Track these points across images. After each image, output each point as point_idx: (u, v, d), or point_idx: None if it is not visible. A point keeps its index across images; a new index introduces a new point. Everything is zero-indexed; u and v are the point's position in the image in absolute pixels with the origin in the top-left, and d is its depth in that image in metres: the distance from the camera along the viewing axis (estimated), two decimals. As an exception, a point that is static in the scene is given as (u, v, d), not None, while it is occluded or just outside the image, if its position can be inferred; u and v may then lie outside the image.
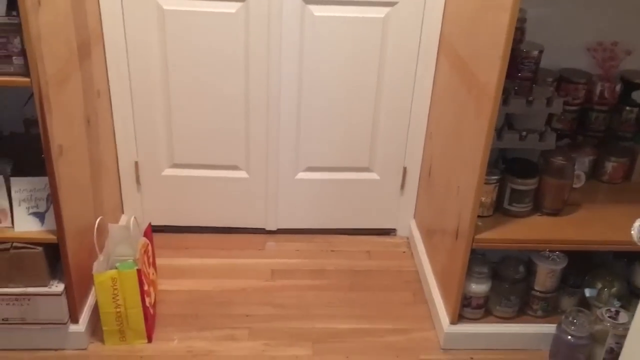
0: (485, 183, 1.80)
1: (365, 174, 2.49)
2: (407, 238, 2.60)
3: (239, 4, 2.13)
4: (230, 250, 2.48)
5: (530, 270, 2.02)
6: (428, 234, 2.37)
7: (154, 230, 2.20)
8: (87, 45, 1.99)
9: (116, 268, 1.92)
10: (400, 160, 2.47)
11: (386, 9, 2.17)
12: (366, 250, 2.53)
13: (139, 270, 1.93)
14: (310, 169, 2.47)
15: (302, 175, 2.48)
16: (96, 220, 1.98)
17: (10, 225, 1.83)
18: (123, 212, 2.50)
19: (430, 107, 2.32)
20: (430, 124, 2.33)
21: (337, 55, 2.23)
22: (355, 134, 2.40)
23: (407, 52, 2.24)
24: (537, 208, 1.97)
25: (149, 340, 2.02)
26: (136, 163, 2.41)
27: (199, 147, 2.39)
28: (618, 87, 2.13)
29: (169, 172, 2.45)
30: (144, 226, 2.15)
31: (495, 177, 1.90)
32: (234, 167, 2.45)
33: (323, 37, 2.20)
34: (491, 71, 1.65)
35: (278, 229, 2.58)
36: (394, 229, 2.63)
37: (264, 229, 2.58)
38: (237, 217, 2.55)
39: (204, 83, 2.26)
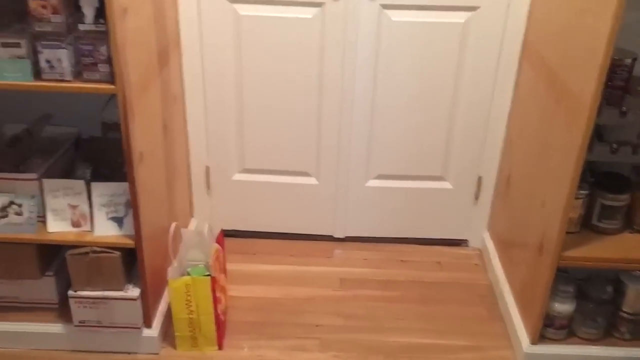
0: (575, 198, 1.71)
1: (437, 182, 2.43)
2: (480, 250, 2.52)
3: (315, 9, 2.10)
4: (299, 257, 2.45)
5: (619, 291, 1.91)
6: (504, 247, 2.28)
7: (223, 234, 2.20)
8: (166, 51, 2.00)
9: (189, 274, 1.93)
10: (475, 169, 2.39)
11: (467, 14, 2.10)
12: (437, 261, 2.46)
13: (212, 278, 1.93)
14: (381, 176, 2.42)
15: (372, 182, 2.43)
16: (170, 224, 1.99)
17: (89, 229, 1.85)
18: (193, 216, 2.52)
19: (510, 115, 2.23)
20: (510, 133, 2.24)
21: (414, 60, 2.18)
22: (429, 142, 2.33)
23: (487, 58, 2.17)
24: (628, 225, 1.86)
25: (220, 347, 2.02)
26: (207, 168, 2.42)
27: (269, 152, 2.38)
28: None
29: (239, 177, 2.45)
30: (215, 231, 2.15)
31: (584, 192, 1.80)
32: (304, 174, 2.42)
33: (400, 43, 2.14)
34: (586, 81, 1.56)
35: (346, 237, 2.55)
36: (466, 240, 2.56)
37: (332, 236, 2.55)
38: (306, 224, 2.53)
39: (277, 89, 2.24)
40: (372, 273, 2.38)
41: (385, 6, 2.09)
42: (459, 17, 2.10)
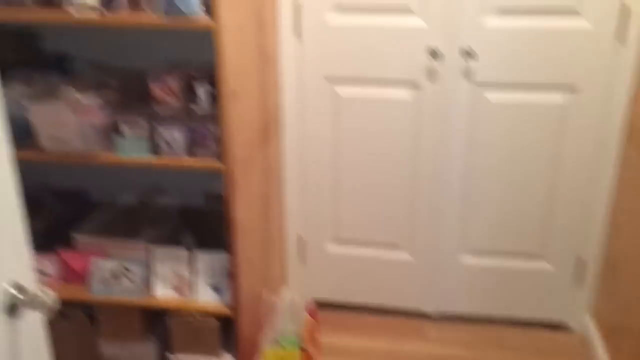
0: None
1: (535, 262, 2.35)
2: (582, 335, 2.38)
3: (412, 91, 2.17)
4: (390, 333, 2.43)
5: None
6: (611, 335, 2.15)
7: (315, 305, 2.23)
8: (268, 128, 2.12)
9: (281, 344, 1.96)
10: (575, 250, 2.30)
11: (565, 95, 2.08)
12: (536, 346, 2.35)
13: (304, 350, 1.95)
14: (476, 252, 2.38)
15: (467, 258, 2.39)
16: (265, 294, 2.05)
17: (191, 296, 1.95)
18: (286, 286, 2.57)
19: (615, 198, 2.15)
20: (616, 216, 2.15)
21: (511, 140, 2.17)
22: (526, 220, 2.29)
23: (588, 139, 2.13)
24: None
25: (309, 421, 2.01)
26: (302, 238, 2.49)
27: (363, 225, 2.42)
28: None
29: (332, 248, 2.49)
30: (307, 301, 2.18)
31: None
32: (397, 247, 2.43)
33: (497, 123, 2.16)
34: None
35: (439, 314, 2.50)
36: (567, 324, 2.43)
37: (424, 312, 2.51)
38: (399, 298, 2.51)
39: (373, 164, 2.30)
40: (466, 355, 2.30)
41: (482, 86, 2.12)
42: (558, 98, 2.09)
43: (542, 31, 2.02)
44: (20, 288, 0.83)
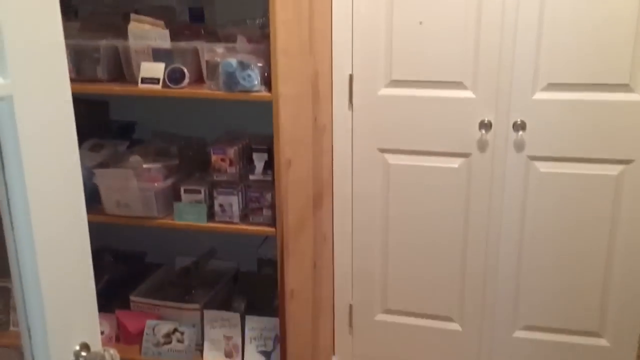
0: None
1: (593, 339, 2.26)
2: (646, 419, 2.25)
3: (461, 159, 2.19)
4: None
5: None
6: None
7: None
8: (320, 195, 2.18)
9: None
10: (635, 327, 2.21)
11: (620, 167, 2.07)
12: None
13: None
14: (530, 327, 2.31)
15: (520, 333, 2.33)
16: (313, 362, 2.05)
17: (240, 360, 1.96)
18: (334, 354, 2.55)
19: (674, 271, 2.09)
20: (676, 291, 2.08)
21: (564, 212, 2.15)
22: (583, 295, 2.22)
23: (645, 210, 2.09)
24: None
25: None
26: (350, 306, 2.48)
27: (413, 295, 2.40)
28: None
29: (381, 317, 2.47)
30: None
31: None
32: (448, 319, 2.39)
33: (549, 194, 2.14)
34: None
35: (491, 389, 2.42)
36: (628, 406, 2.31)
37: (475, 387, 2.43)
38: (448, 372, 2.45)
39: (423, 233, 2.31)
40: None
41: (533, 157, 2.13)
42: (612, 169, 2.08)
43: (592, 104, 2.03)
44: (87, 348, 0.88)
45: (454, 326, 2.39)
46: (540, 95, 2.06)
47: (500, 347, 2.35)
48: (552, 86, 2.04)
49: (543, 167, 2.13)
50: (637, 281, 2.16)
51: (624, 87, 1.99)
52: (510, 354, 2.35)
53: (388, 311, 2.46)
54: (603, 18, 1.94)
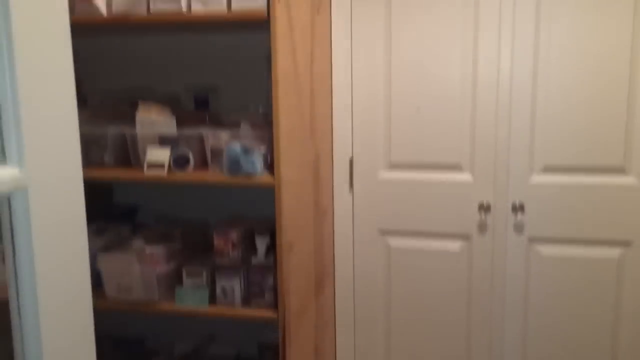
0: None
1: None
2: None
3: (461, 242, 2.21)
4: None
5: None
6: None
7: None
8: (322, 279, 2.17)
9: None
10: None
11: (620, 249, 2.08)
12: None
13: None
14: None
15: (528, 422, 2.26)
16: None
17: None
18: None
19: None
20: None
21: (567, 295, 2.14)
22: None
23: (648, 293, 2.08)
24: None
25: None
26: (353, 393, 2.42)
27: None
28: None
29: (385, 405, 2.40)
30: None
31: None
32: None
33: (550, 277, 2.14)
34: None
35: None
36: None
37: None
38: None
39: (425, 316, 2.28)
40: None
41: (533, 240, 2.14)
42: (612, 252, 2.08)
43: (590, 187, 2.06)
44: None
45: (460, 414, 2.32)
46: (537, 178, 2.10)
47: None
48: (548, 168, 2.09)
49: (544, 250, 2.14)
50: (646, 366, 2.12)
51: (618, 169, 2.03)
52: None
53: (391, 399, 2.39)
54: (595, 99, 2.01)
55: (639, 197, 2.03)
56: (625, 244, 2.07)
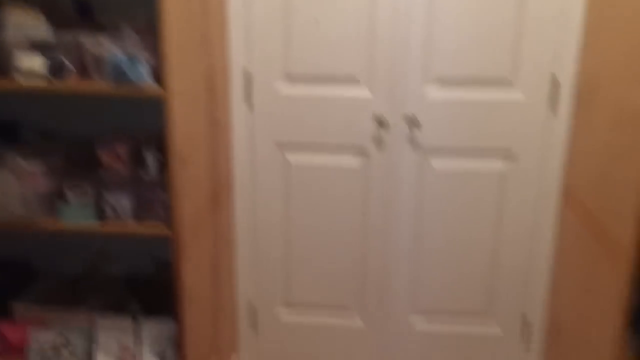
0: (624, 343, 1.65)
1: (485, 327, 2.38)
2: (533, 398, 2.40)
3: (359, 156, 2.23)
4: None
5: None
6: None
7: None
8: (219, 195, 2.13)
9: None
10: (521, 313, 2.35)
11: (504, 162, 2.18)
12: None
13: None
14: (428, 319, 2.39)
15: (419, 326, 2.40)
16: (214, 364, 2.00)
17: (136, 367, 1.89)
18: (236, 353, 2.51)
19: (554, 259, 2.23)
20: (557, 278, 2.22)
21: (455, 205, 2.24)
22: (472, 283, 2.33)
23: (527, 203, 2.22)
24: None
25: None
26: (252, 305, 2.46)
27: (315, 293, 2.41)
28: None
29: (284, 315, 2.46)
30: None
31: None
32: (349, 312, 2.43)
33: (441, 189, 2.23)
34: (625, 225, 1.57)
35: (392, 381, 2.48)
36: (518, 388, 2.45)
37: (377, 379, 2.49)
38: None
39: (323, 230, 2.32)
40: (419, 421, 2.28)
41: (427, 153, 2.20)
42: (498, 164, 2.19)
43: (480, 101, 2.13)
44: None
45: (356, 321, 2.43)
46: (431, 92, 2.14)
47: (399, 338, 2.42)
48: (443, 82, 2.12)
49: (436, 163, 2.21)
50: (520, 269, 2.30)
51: (507, 83, 2.10)
52: (409, 345, 2.42)
53: (291, 310, 2.45)
54: (486, 13, 2.04)
55: (525, 111, 2.12)
56: (510, 157, 2.18)
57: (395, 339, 2.42)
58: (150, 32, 1.65)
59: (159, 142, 1.72)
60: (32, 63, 1.58)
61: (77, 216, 1.71)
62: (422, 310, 2.40)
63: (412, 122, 2.16)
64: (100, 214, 1.73)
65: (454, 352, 2.41)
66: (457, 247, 2.30)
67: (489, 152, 2.18)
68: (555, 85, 2.09)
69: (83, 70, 1.68)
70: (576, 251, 2.01)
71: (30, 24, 1.64)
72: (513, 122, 2.14)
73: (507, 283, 2.32)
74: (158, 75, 1.62)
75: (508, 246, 2.28)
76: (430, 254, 2.32)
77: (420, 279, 2.35)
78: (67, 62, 1.61)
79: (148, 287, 2.15)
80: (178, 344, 1.80)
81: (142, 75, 1.59)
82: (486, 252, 2.29)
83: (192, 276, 1.85)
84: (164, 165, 1.70)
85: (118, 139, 1.76)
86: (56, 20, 1.70)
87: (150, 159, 1.72)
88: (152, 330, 1.88)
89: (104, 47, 1.60)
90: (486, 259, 2.30)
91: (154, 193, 1.71)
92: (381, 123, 2.17)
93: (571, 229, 2.07)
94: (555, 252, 2.23)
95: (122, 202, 1.69)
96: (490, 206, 2.24)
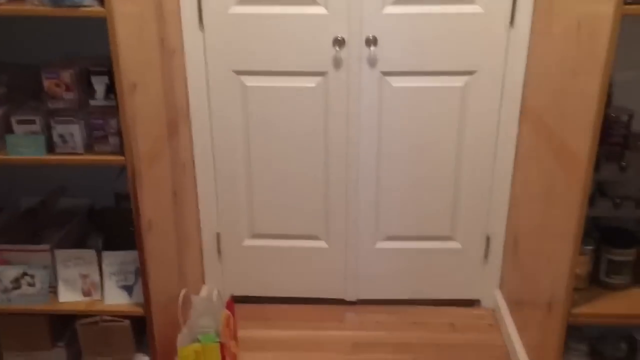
0: (580, 254, 1.71)
1: (446, 242, 2.43)
2: (493, 310, 2.48)
3: (318, 78, 2.18)
4: (310, 321, 2.44)
5: (633, 348, 1.87)
6: (516, 306, 2.26)
7: (234, 300, 2.21)
8: (176, 122, 2.08)
9: (199, 341, 1.93)
10: (483, 229, 2.40)
11: (465, 78, 2.16)
12: (450, 322, 2.43)
13: (221, 344, 1.93)
14: (391, 237, 2.43)
15: (382, 244, 2.44)
16: (180, 292, 2.01)
17: (100, 297, 1.88)
18: (204, 283, 2.53)
19: (513, 174, 2.26)
20: (515, 191, 2.26)
21: (416, 124, 2.23)
22: (436, 203, 2.36)
23: (487, 119, 2.22)
24: (638, 280, 1.84)
25: (231, 415, 1.99)
26: (218, 234, 2.46)
27: (279, 217, 2.41)
28: None
29: (249, 242, 2.47)
30: (226, 297, 2.16)
31: (590, 248, 1.80)
32: (314, 237, 2.45)
33: (402, 108, 2.21)
34: (582, 138, 1.59)
35: (358, 300, 2.54)
36: (478, 300, 2.53)
37: (343, 299, 2.54)
38: (317, 288, 2.53)
39: (285, 155, 2.30)
40: (385, 336, 2.35)
41: (386, 73, 2.16)
42: (457, 81, 2.17)
43: (438, 16, 2.08)
44: None
45: (321, 244, 2.45)
46: (389, 9, 2.08)
47: (364, 258, 2.46)
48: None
49: (395, 81, 2.18)
50: (482, 185, 2.33)
51: None
52: (374, 264, 2.47)
53: (256, 236, 2.46)
54: None
55: (484, 26, 2.09)
56: (470, 72, 2.16)
57: (359, 258, 2.46)
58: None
59: (109, 67, 1.64)
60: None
61: (25, 148, 1.65)
62: (387, 236, 2.43)
63: (371, 41, 2.11)
64: (50, 145, 1.67)
65: (415, 265, 2.46)
66: (420, 169, 2.30)
67: (449, 67, 2.15)
68: (514, -2, 2.06)
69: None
70: (534, 165, 2.03)
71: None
72: (472, 36, 2.10)
73: (470, 202, 2.35)
74: (100, -4, 1.53)
75: (470, 165, 2.29)
76: (393, 177, 2.32)
77: (384, 204, 2.37)
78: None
79: (109, 219, 2.12)
80: (141, 273, 1.80)
81: (83, -5, 1.49)
82: (449, 172, 2.31)
83: (151, 204, 1.82)
84: (113, 91, 1.63)
85: (64, 64, 1.67)
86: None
87: (99, 84, 1.64)
88: (114, 261, 1.86)
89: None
90: (449, 180, 2.32)
91: (105, 121, 1.65)
92: (339, 43, 2.12)
93: (530, 144, 2.09)
94: (515, 167, 2.26)
95: (71, 131, 1.63)
96: (451, 123, 2.23)
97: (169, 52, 1.99)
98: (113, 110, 1.64)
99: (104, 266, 1.86)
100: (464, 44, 2.11)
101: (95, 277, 1.87)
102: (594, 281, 1.85)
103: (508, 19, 2.08)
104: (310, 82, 2.19)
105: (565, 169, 1.72)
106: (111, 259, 1.86)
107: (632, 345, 1.88)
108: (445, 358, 2.23)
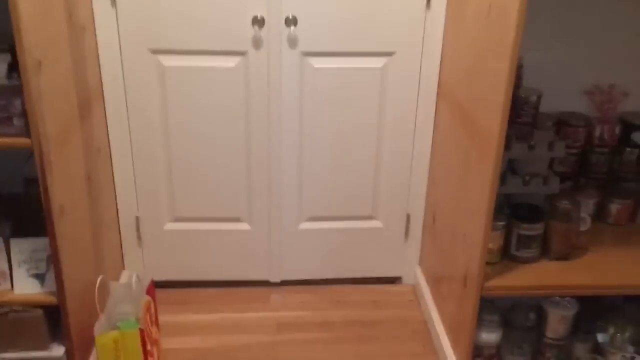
0: (492, 229, 1.78)
1: (368, 221, 2.47)
2: (413, 286, 2.56)
3: (238, 58, 2.15)
4: (234, 304, 2.43)
5: (541, 317, 1.98)
6: (435, 282, 2.33)
7: (156, 285, 2.16)
8: (88, 103, 1.99)
9: (118, 328, 1.88)
10: (403, 208, 2.45)
11: (384, 59, 2.19)
12: (372, 299, 2.48)
13: (141, 330, 1.88)
14: (313, 218, 2.45)
15: (305, 225, 2.45)
16: (97, 279, 1.95)
17: (9, 287, 1.80)
18: (124, 269, 2.47)
19: (431, 154, 2.32)
20: (433, 170, 2.32)
21: (337, 105, 2.24)
22: (358, 183, 2.39)
23: (407, 100, 2.26)
24: (545, 253, 1.94)
25: (153, 402, 1.96)
26: (137, 218, 2.39)
27: (200, 200, 2.37)
28: (617, 129, 2.13)
29: (170, 226, 2.42)
30: (146, 283, 2.11)
31: (501, 223, 1.88)
32: (236, 220, 2.43)
33: (322, 88, 2.21)
34: (492, 117, 1.65)
35: (282, 281, 2.55)
36: (400, 277, 2.60)
37: (267, 281, 2.54)
38: (241, 270, 2.51)
39: (205, 137, 2.26)
40: (309, 316, 2.38)
41: (307, 53, 2.16)
42: (377, 62, 2.19)
43: (357, -3, 2.09)
44: None
45: (244, 226, 2.44)
46: (309, -10, 2.07)
47: (288, 239, 2.47)
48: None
49: (316, 62, 2.17)
50: (402, 167, 2.38)
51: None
52: (298, 244, 2.48)
53: (176, 219, 2.42)
54: None
55: (402, 6, 2.12)
56: (388, 54, 2.19)
57: (283, 240, 2.47)
58: None
59: (9, 45, 1.55)
60: None
61: None
62: (310, 217, 2.44)
63: (290, 21, 2.09)
64: (-52, 127, 1.56)
65: (338, 245, 2.49)
66: (342, 150, 2.32)
67: (369, 47, 2.17)
68: (430, -20, 2.09)
69: None
70: (451, 144, 2.09)
71: None
72: (391, 17, 2.13)
73: (390, 182, 2.40)
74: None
75: (391, 144, 2.33)
76: (315, 158, 2.33)
77: (306, 185, 2.38)
78: None
79: (18, 204, 2.02)
80: (53, 260, 1.72)
81: (-22, -35, 1.39)
82: (370, 152, 2.34)
83: (62, 189, 1.74)
84: (17, 70, 1.54)
85: (-41, 41, 1.56)
86: None
87: (0, 63, 1.55)
88: (24, 248, 1.78)
89: None
90: (370, 159, 2.35)
91: (8, 101, 1.56)
92: (258, 22, 2.09)
93: (447, 123, 2.15)
94: (433, 146, 2.31)
95: (-30, 112, 1.53)
96: (372, 103, 2.26)
97: (79, 29, 1.90)
98: (17, 89, 1.55)
99: (12, 254, 1.78)
100: (383, 25, 2.13)
101: (4, 265, 1.78)
102: (506, 255, 1.93)
103: (425, 0, 2.12)
104: (230, 62, 2.16)
105: (477, 147, 1.78)
106: (20, 246, 1.78)
107: (540, 314, 1.98)
108: (367, 334, 2.28)
